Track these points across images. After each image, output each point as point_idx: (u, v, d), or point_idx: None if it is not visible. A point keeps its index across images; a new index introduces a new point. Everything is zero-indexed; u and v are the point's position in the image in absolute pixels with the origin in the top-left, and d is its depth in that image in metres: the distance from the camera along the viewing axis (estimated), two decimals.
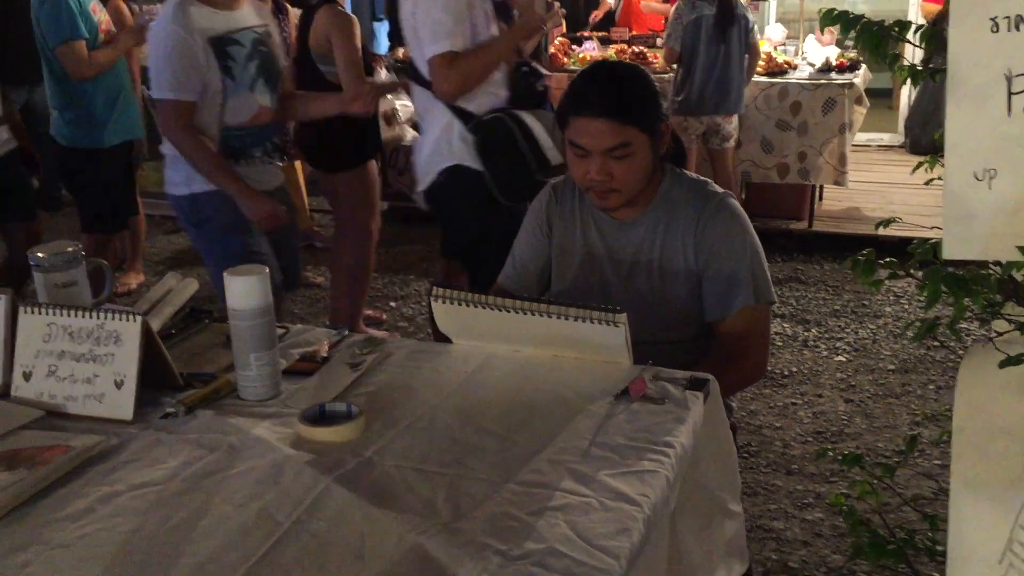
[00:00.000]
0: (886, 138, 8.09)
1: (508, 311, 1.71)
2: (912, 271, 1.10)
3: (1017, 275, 0.92)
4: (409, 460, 1.44)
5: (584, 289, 2.13)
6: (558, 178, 2.23)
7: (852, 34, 1.06)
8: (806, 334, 4.35)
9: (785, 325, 4.45)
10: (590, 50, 6.01)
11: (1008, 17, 0.90)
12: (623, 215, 2.10)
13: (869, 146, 7.84)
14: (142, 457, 1.47)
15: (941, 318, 1.13)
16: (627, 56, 5.90)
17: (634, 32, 6.65)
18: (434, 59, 2.89)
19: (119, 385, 1.60)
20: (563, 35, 6.11)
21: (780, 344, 4.24)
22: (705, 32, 4.95)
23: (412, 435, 1.52)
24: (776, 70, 5.47)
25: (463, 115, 2.97)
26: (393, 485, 1.37)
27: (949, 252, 0.97)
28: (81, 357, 1.62)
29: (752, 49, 5.09)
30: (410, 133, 5.29)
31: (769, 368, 4.10)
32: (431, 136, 3.06)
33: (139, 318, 1.60)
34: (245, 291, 1.62)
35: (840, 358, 4.09)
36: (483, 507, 1.31)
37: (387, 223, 6.26)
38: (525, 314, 1.70)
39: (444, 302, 1.75)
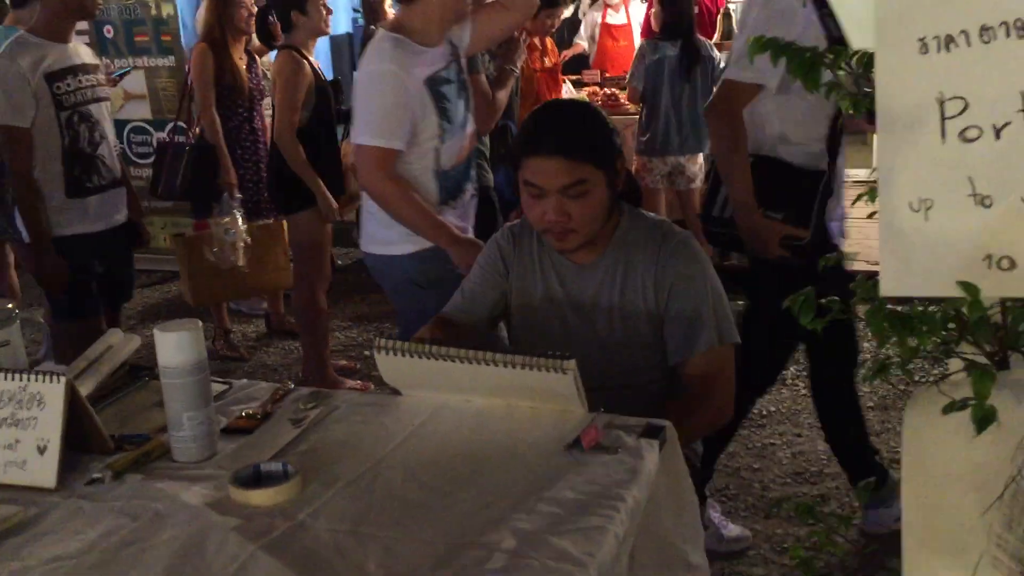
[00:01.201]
0: (862, 174, 8.09)
1: (453, 360, 1.64)
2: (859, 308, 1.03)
3: (966, 311, 0.86)
4: (344, 523, 1.36)
5: (546, 335, 2.07)
6: (515, 222, 2.17)
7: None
8: (784, 372, 4.28)
9: None
10: (563, 93, 6.00)
11: (937, 37, 0.84)
12: (582, 258, 2.04)
13: (847, 181, 7.82)
14: (60, 528, 1.39)
15: (894, 358, 1.07)
16: (599, 98, 5.89)
17: (608, 75, 6.66)
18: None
19: (42, 451, 1.51)
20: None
21: None
22: (668, 72, 4.92)
23: (350, 495, 1.44)
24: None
25: None
26: (323, 551, 1.28)
27: (887, 288, 0.90)
28: (2, 422, 1.54)
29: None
30: None
31: None
32: None
33: (63, 379, 1.53)
34: (177, 347, 1.54)
35: None
36: (416, 573, 1.22)
37: (361, 272, 6.19)
38: (470, 363, 1.63)
39: (387, 353, 1.68)
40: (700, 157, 5.08)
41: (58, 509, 1.44)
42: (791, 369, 4.30)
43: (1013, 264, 0.84)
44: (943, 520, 0.95)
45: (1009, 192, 0.84)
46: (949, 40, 0.84)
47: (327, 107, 3.95)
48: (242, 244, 4.20)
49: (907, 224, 0.87)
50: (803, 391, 4.08)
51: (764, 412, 3.89)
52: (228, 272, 4.26)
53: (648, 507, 1.53)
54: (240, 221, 4.18)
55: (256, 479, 1.46)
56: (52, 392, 1.52)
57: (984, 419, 0.85)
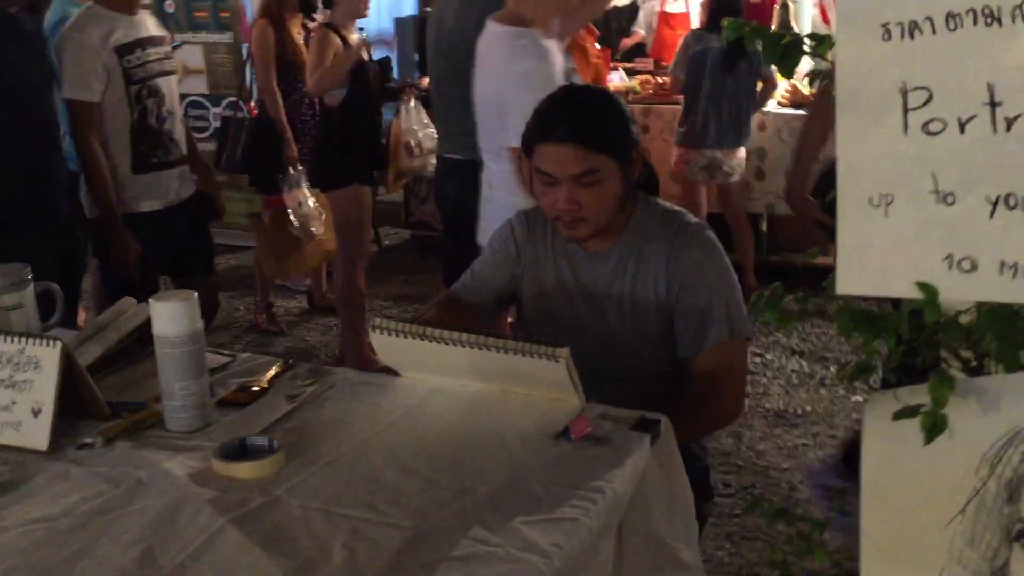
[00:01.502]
0: None
1: (447, 343, 1.62)
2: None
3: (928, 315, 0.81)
4: (317, 500, 1.35)
5: (555, 322, 2.04)
6: (529, 208, 2.15)
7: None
8: (824, 372, 4.19)
9: (803, 362, 4.29)
10: (616, 80, 5.93)
11: (901, 23, 0.79)
12: (593, 246, 2.00)
13: None
14: (45, 491, 1.40)
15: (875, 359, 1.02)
16: (650, 86, 5.80)
17: (665, 63, 6.56)
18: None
19: (36, 414, 1.53)
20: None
21: (796, 382, 4.08)
22: (711, 64, 4.81)
23: (330, 473, 1.44)
24: (802, 102, 5.33)
25: None
26: (292, 527, 1.28)
27: (843, 286, 0.85)
28: (0, 383, 1.56)
29: (768, 81, 4.94)
30: (433, 163, 5.28)
31: (783, 407, 3.96)
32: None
33: (59, 344, 1.55)
34: (171, 317, 1.55)
35: (858, 398, 3.92)
36: (380, 554, 1.21)
37: (406, 252, 6.24)
38: (465, 347, 1.61)
39: (382, 333, 1.67)
40: (741, 151, 4.96)
41: (47, 472, 1.46)
42: (831, 369, 4.21)
43: (975, 266, 0.80)
44: (903, 532, 0.90)
45: (972, 189, 0.79)
46: (913, 27, 0.78)
47: (366, 85, 3.98)
48: (318, 214, 4.31)
49: (866, 220, 0.82)
50: (841, 393, 3.99)
51: (799, 412, 3.81)
52: (307, 243, 4.39)
53: (638, 502, 1.50)
54: (309, 192, 4.29)
55: (241, 452, 1.47)
56: (48, 356, 1.54)
57: (934, 428, 0.81)
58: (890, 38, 0.79)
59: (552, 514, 1.30)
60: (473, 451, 1.50)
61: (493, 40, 2.67)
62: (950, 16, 0.77)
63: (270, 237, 4.56)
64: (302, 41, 4.49)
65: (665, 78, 5.85)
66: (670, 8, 7.16)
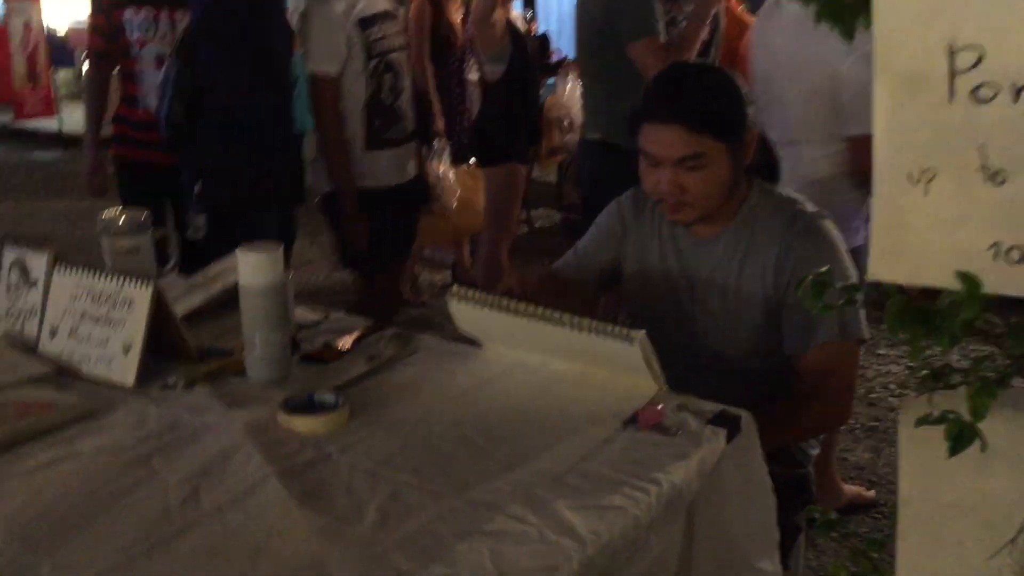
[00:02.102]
0: None
1: (524, 317, 1.57)
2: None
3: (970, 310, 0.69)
4: (367, 461, 1.34)
5: (654, 307, 1.96)
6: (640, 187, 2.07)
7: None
8: None
9: None
10: None
11: None
12: (701, 232, 1.90)
13: None
14: (119, 424, 1.46)
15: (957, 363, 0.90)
16: None
17: None
18: None
19: (126, 351, 1.60)
20: None
21: None
22: None
23: (387, 436, 1.42)
24: None
25: None
26: (334, 485, 1.27)
27: (876, 271, 0.74)
28: (99, 319, 1.64)
29: None
30: None
31: None
32: None
33: (151, 286, 1.60)
34: (255, 267, 1.58)
35: None
36: (411, 520, 1.19)
37: (556, 235, 6.18)
38: (541, 322, 1.56)
39: (461, 301, 1.64)
40: None
41: (127, 406, 1.52)
42: None
43: None
44: (944, 556, 0.79)
45: None
46: None
47: (522, 59, 3.95)
48: (456, 189, 4.36)
49: (904, 198, 0.71)
50: None
51: None
52: (440, 215, 4.44)
53: (711, 500, 1.42)
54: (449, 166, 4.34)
55: (306, 407, 1.48)
56: (141, 297, 1.60)
57: (959, 438, 0.70)
58: None
59: (599, 500, 1.24)
60: (536, 428, 1.45)
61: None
62: None
63: None
64: (459, 21, 4.53)
65: None
66: None
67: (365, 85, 3.04)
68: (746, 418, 1.49)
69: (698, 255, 1.90)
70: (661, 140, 1.77)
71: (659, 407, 1.47)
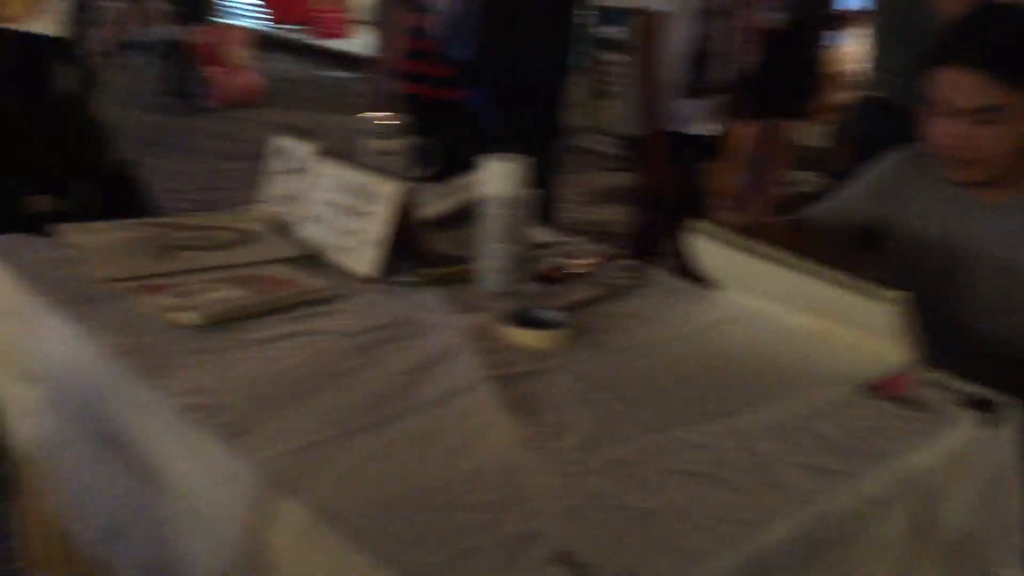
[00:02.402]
0: None
1: (771, 262, 1.47)
2: None
3: None
4: (580, 383, 1.30)
5: (923, 273, 1.78)
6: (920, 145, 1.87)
7: None
8: None
9: None
10: None
11: None
12: (991, 197, 1.70)
13: None
14: (352, 311, 1.50)
15: None
16: None
17: None
18: None
19: (369, 244, 1.64)
20: None
21: None
22: None
23: (604, 361, 1.38)
24: None
25: None
26: (543, 401, 1.24)
27: None
28: (349, 210, 1.69)
29: None
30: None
31: None
32: None
33: (397, 184, 1.63)
34: (496, 177, 1.57)
35: None
36: (616, 448, 1.14)
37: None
38: (790, 270, 1.45)
39: (709, 239, 1.55)
40: None
41: (362, 296, 1.56)
42: None
43: None
44: None
45: None
46: None
47: (806, 9, 3.72)
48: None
49: None
50: None
51: None
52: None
53: (954, 490, 1.28)
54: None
55: (528, 322, 1.46)
56: (387, 193, 1.63)
57: None
58: None
59: (823, 463, 1.14)
60: (763, 379, 1.35)
61: None
62: None
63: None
64: None
65: None
66: None
67: (696, 30, 2.94)
68: (1016, 409, 1.32)
69: (980, 221, 1.71)
70: (955, 86, 1.58)
71: (906, 378, 1.33)
